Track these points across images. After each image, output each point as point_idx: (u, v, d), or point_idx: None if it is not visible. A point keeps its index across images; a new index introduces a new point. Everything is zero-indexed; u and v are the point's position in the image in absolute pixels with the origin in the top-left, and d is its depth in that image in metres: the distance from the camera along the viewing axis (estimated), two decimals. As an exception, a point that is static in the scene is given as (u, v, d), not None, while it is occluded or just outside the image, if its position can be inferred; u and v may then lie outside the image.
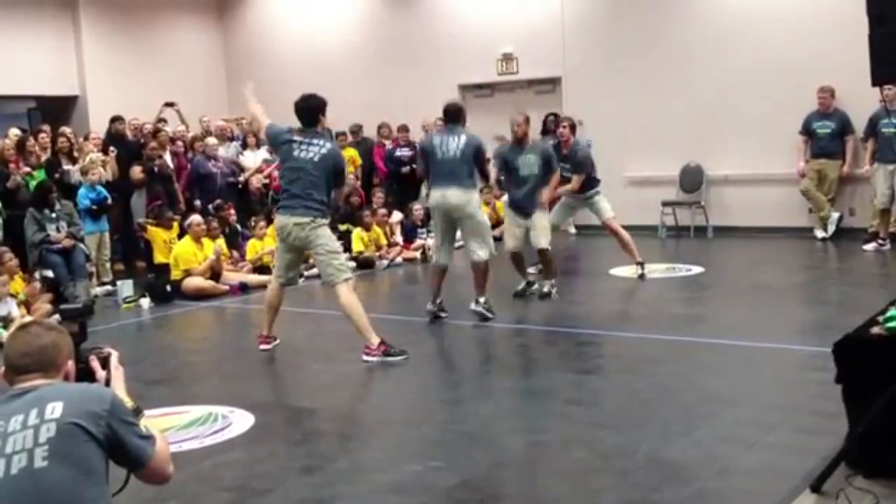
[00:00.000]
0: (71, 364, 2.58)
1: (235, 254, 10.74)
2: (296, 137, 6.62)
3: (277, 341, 6.97)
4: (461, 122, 7.63)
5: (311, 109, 6.71)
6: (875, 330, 3.87)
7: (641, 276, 9.04)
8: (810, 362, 5.65)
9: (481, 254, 7.52)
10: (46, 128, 11.61)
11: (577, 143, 9.18)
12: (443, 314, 7.74)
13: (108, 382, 2.68)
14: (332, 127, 11.68)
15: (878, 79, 4.11)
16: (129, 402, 2.59)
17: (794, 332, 6.86)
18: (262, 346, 6.90)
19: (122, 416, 2.47)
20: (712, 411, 4.94)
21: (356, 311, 6.47)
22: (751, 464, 4.18)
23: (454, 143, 7.39)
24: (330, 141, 6.94)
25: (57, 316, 3.17)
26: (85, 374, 2.64)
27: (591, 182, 9.05)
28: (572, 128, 9.07)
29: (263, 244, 10.58)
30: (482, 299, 7.60)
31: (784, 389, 5.38)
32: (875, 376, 3.67)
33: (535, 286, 8.51)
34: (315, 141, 6.58)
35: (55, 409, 2.37)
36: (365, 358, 6.36)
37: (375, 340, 6.39)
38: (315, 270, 9.18)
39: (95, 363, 2.67)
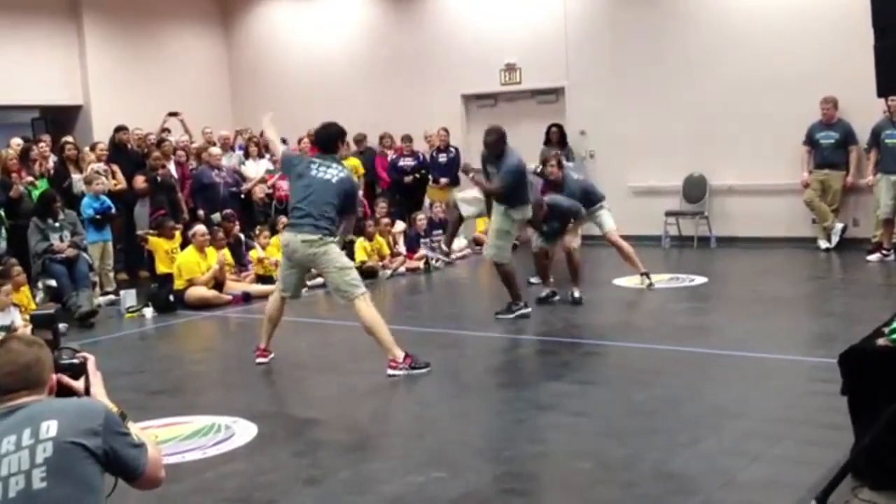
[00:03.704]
0: (54, 378, 2.56)
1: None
2: (314, 159, 6.64)
3: (273, 355, 6.93)
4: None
5: (330, 136, 6.72)
6: (881, 341, 3.86)
7: (649, 286, 9.03)
8: (815, 373, 5.63)
9: (487, 252, 8.11)
10: (46, 138, 11.64)
11: (567, 177, 8.91)
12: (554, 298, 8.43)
13: (87, 390, 2.64)
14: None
15: (883, 90, 4.10)
16: (113, 408, 2.57)
17: (799, 342, 6.84)
18: (259, 360, 6.85)
19: (116, 429, 2.45)
20: (717, 423, 4.93)
21: (378, 326, 6.37)
22: (756, 476, 4.16)
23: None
24: (346, 169, 6.87)
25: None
26: (62, 390, 2.59)
27: (593, 199, 9.02)
28: (559, 164, 8.86)
29: (267, 253, 10.58)
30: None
31: (789, 401, 5.36)
32: (881, 388, 3.66)
33: (558, 297, 8.54)
34: (333, 165, 6.56)
35: (50, 428, 2.34)
36: (390, 372, 6.26)
37: (400, 354, 6.31)
38: (319, 280, 9.20)
39: (67, 380, 2.61)
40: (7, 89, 12.75)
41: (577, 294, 8.50)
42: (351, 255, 10.42)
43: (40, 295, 9.18)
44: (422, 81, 13.91)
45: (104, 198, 10.35)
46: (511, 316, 7.95)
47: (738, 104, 11.52)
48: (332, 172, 6.48)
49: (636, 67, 12.25)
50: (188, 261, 9.72)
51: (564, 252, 8.56)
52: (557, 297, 8.60)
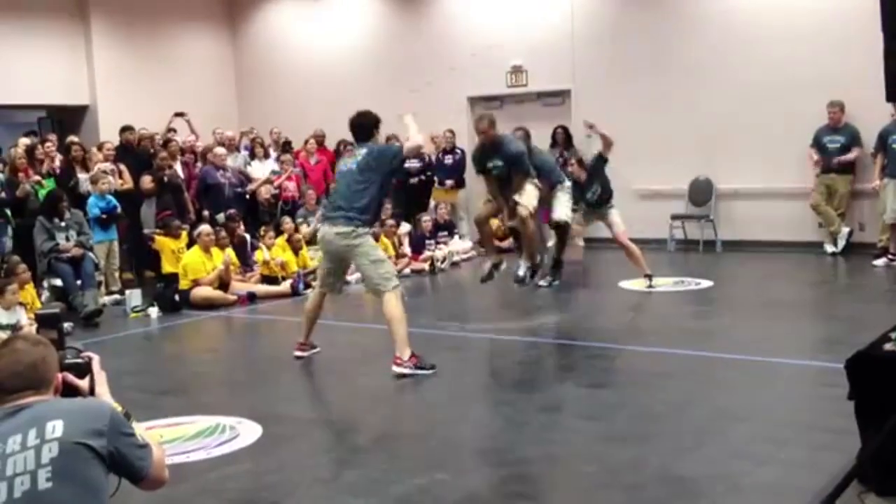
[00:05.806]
0: (60, 377, 2.55)
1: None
2: (350, 151, 6.62)
3: (317, 349, 6.98)
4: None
5: (363, 125, 6.71)
6: (888, 347, 3.84)
7: (649, 287, 9.06)
8: (821, 378, 5.62)
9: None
10: (53, 137, 11.66)
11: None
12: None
13: (92, 389, 2.63)
14: (343, 138, 11.76)
15: (892, 94, 4.06)
16: (117, 408, 2.56)
17: (805, 347, 6.83)
18: (297, 353, 6.92)
19: (121, 430, 2.45)
20: (723, 426, 4.92)
21: (398, 321, 6.38)
22: (762, 480, 4.15)
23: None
24: (372, 145, 6.71)
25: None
26: (67, 389, 2.58)
27: (606, 194, 9.25)
28: (579, 162, 9.54)
29: (272, 255, 10.58)
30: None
31: (795, 405, 5.35)
32: (888, 393, 3.65)
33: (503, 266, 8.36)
34: (358, 151, 6.59)
35: (56, 428, 2.33)
36: (395, 370, 6.27)
37: (407, 353, 6.33)
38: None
39: (72, 379, 2.60)
40: (14, 89, 12.77)
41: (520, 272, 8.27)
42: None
43: (46, 294, 9.20)
44: (428, 83, 13.88)
45: (110, 197, 10.36)
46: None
47: (745, 107, 11.49)
48: (353, 159, 6.54)
49: (642, 70, 12.23)
50: (193, 261, 9.73)
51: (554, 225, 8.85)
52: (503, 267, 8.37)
